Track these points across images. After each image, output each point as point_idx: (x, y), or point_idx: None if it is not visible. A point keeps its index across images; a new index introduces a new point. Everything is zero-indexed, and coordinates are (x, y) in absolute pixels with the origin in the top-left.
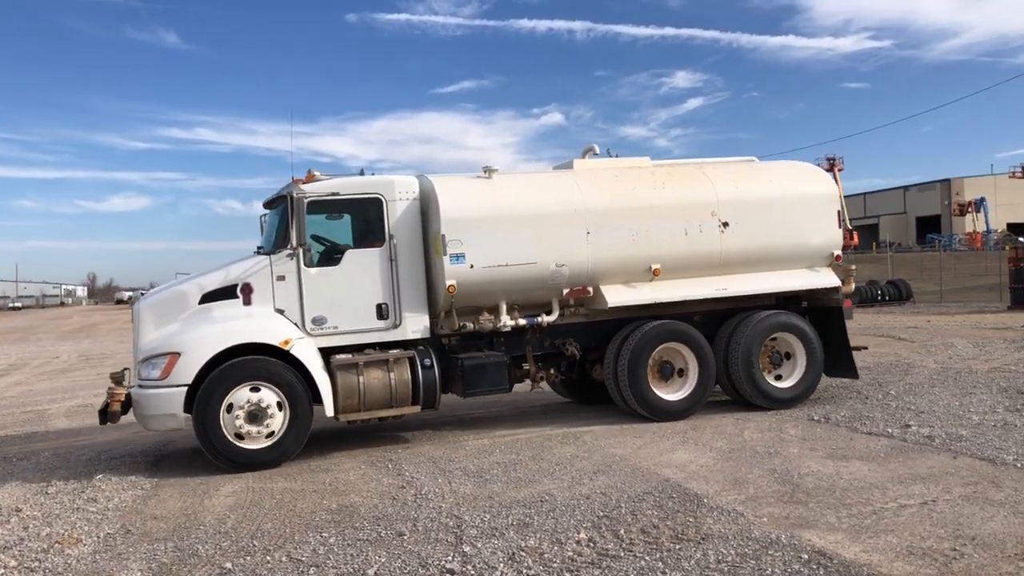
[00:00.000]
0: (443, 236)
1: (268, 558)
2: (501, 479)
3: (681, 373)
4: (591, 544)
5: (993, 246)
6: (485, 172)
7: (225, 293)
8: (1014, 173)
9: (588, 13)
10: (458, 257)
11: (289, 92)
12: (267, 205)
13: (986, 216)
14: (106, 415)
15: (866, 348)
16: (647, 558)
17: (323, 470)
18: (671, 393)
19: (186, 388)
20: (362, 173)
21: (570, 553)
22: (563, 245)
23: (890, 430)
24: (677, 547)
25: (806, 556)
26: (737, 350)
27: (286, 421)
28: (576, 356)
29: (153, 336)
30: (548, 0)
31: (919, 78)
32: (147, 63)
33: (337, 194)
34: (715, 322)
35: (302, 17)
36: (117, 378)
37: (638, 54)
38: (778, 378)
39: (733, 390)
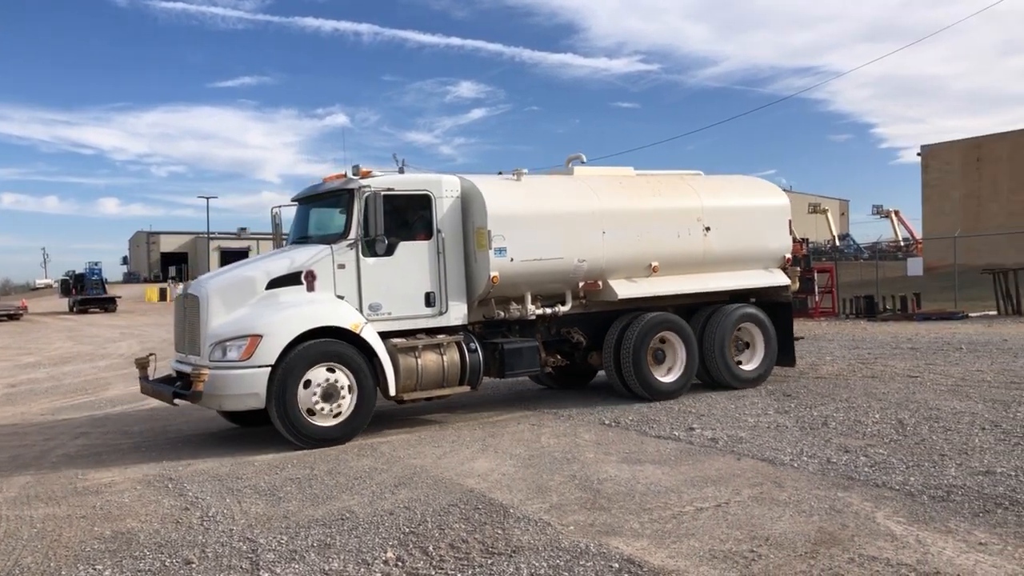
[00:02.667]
0: (489, 231)
1: None
2: (296, 496)
3: (668, 359)
4: (400, 563)
5: None
6: (514, 175)
7: (290, 279)
8: None
9: (375, 17)
10: (501, 251)
11: (48, 77)
12: (308, 199)
13: None
14: (176, 396)
15: (803, 338)
16: (459, 575)
17: (92, 492)
18: (664, 376)
19: (270, 368)
20: (402, 170)
21: (378, 574)
22: (584, 243)
23: (676, 433)
24: (489, 561)
25: (616, 565)
26: (713, 338)
27: (355, 400)
28: (583, 343)
29: (225, 320)
30: (334, 0)
31: (683, 101)
32: None
33: (392, 190)
34: (683, 314)
35: None
36: (143, 363)
37: (424, 61)
38: (741, 362)
39: (706, 373)
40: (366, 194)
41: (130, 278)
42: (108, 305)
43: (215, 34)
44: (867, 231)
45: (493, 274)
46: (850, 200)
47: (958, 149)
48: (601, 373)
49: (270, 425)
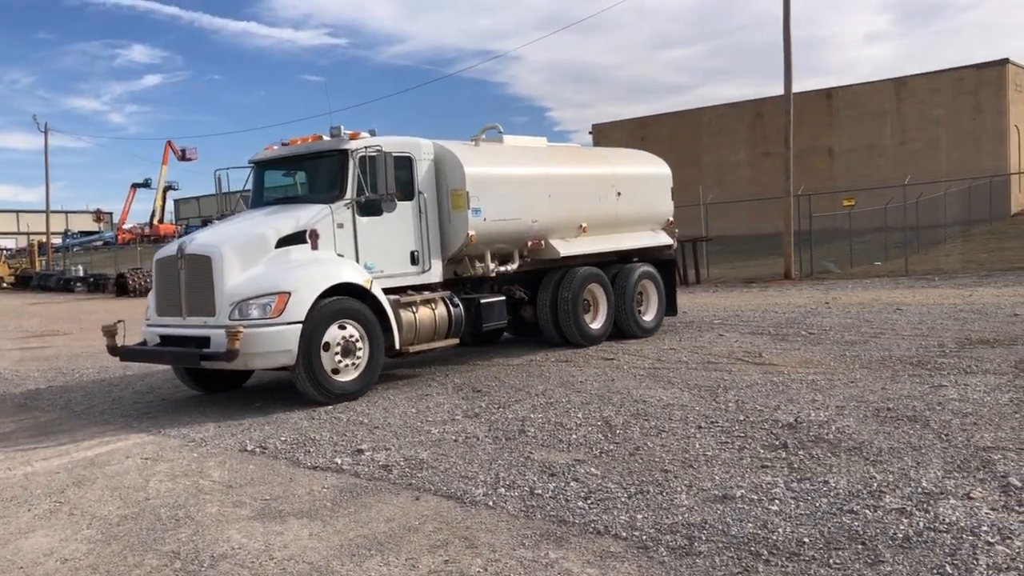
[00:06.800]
0: (467, 192)
1: None
2: None
3: (593, 309)
4: None
5: None
6: (473, 141)
7: (297, 238)
8: None
9: None
10: (477, 211)
11: None
12: (276, 162)
13: None
14: (203, 358)
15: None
16: None
17: None
18: (592, 323)
19: (301, 325)
20: (373, 133)
21: None
22: (536, 205)
23: (339, 460)
24: None
25: None
26: (623, 293)
27: (367, 354)
28: (524, 298)
29: (243, 278)
30: None
31: (372, 77)
32: None
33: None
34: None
35: None
36: (111, 331)
37: (88, 20)
38: (642, 313)
39: (613, 324)
40: (371, 153)
41: None
42: None
43: None
44: None
45: (471, 233)
46: None
47: (626, 128)
48: (506, 335)
49: (231, 391)
